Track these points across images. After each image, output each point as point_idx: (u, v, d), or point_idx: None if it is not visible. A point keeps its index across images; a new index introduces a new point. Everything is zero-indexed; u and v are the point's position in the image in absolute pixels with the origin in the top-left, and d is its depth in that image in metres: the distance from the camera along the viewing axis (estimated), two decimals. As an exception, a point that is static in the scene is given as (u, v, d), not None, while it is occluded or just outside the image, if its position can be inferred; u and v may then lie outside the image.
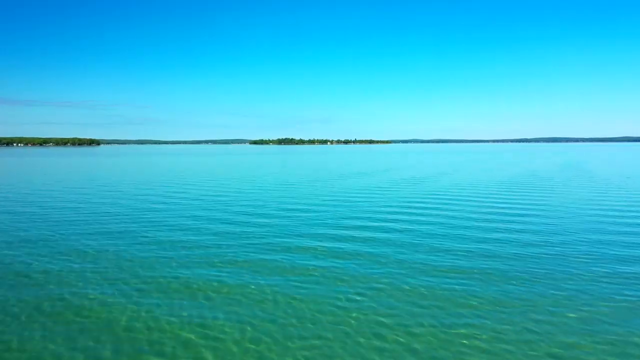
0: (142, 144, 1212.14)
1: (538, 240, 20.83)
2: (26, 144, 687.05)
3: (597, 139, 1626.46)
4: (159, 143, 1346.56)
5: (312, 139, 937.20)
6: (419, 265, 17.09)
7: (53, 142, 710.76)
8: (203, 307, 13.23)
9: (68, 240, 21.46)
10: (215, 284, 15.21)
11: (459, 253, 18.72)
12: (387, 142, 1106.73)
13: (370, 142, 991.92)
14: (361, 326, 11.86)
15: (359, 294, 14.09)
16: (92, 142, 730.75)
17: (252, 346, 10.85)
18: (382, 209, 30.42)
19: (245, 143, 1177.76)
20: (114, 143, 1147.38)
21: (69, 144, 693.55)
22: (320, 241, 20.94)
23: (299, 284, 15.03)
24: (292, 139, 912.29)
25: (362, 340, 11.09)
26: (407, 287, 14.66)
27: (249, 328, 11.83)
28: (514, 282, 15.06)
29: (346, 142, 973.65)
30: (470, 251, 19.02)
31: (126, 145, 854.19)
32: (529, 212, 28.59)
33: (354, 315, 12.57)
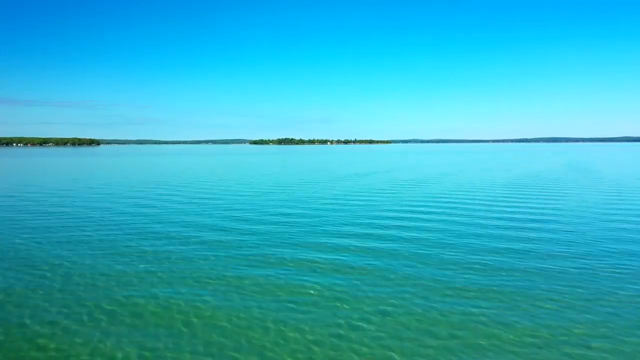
0: (142, 144, 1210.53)
1: (559, 251, 18.87)
2: (26, 144, 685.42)
3: (597, 139, 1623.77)
4: (159, 143, 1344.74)
5: (312, 139, 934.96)
6: (429, 282, 15.15)
7: (53, 142, 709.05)
8: (181, 336, 11.30)
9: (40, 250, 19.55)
10: (197, 305, 13.27)
11: (474, 267, 16.78)
12: (387, 142, 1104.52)
13: (370, 142, 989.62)
14: (366, 364, 9.95)
15: (363, 320, 12.15)
16: (92, 142, 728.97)
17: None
18: (386, 213, 28.48)
19: (245, 143, 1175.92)
20: (113, 143, 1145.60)
21: (68, 144, 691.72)
22: (319, 252, 19.01)
23: (294, 307, 13.10)
24: (292, 139, 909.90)
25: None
26: (418, 311, 12.72)
27: (232, 366, 9.93)
28: (541, 305, 13.12)
29: (346, 142, 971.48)
30: (486, 264, 17.09)
31: (126, 145, 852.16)
32: (543, 218, 26.64)
33: (356, 347, 10.65)
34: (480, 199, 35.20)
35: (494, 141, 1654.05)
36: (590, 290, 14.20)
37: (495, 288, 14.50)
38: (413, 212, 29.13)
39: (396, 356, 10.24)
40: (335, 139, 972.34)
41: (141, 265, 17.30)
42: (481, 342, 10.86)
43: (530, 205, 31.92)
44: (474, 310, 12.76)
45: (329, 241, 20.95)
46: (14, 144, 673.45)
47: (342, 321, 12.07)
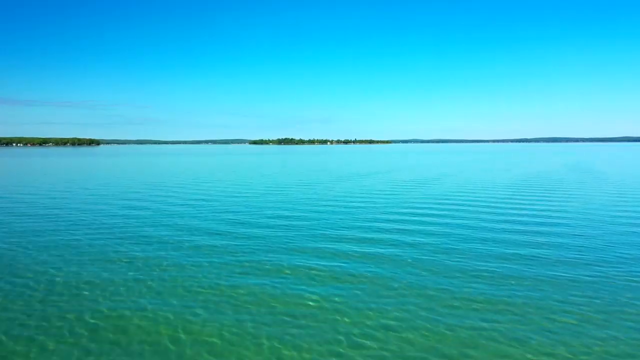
0: (142, 144, 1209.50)
1: (571, 257, 17.94)
2: (25, 144, 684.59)
3: (597, 139, 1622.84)
4: (159, 143, 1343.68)
5: (312, 139, 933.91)
6: (434, 291, 14.24)
7: (52, 142, 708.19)
8: (167, 354, 10.39)
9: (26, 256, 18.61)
10: (187, 318, 12.35)
11: (481, 275, 15.85)
12: (387, 142, 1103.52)
13: (370, 142, 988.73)
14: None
15: (364, 336, 11.23)
16: (91, 142, 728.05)
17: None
18: (387, 216, 27.55)
19: (245, 143, 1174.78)
20: (113, 143, 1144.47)
21: (68, 144, 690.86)
22: (318, 258, 18.09)
23: (290, 320, 12.18)
24: (292, 139, 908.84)
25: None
26: (424, 325, 11.80)
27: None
28: (556, 318, 12.19)
29: (346, 142, 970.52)
30: (494, 272, 16.16)
31: (126, 145, 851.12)
32: (550, 221, 25.70)
33: (359, 368, 9.74)
34: (483, 201, 34.27)
35: (494, 141, 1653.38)
36: (608, 301, 13.29)
37: (505, 299, 13.58)
38: (415, 214, 28.20)
39: (402, 378, 9.33)
40: (335, 139, 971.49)
41: (130, 273, 16.38)
42: (494, 362, 9.95)
43: (535, 207, 30.98)
44: (484, 324, 11.85)
45: (328, 246, 20.03)
46: (14, 144, 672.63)
47: (342, 337, 11.15)
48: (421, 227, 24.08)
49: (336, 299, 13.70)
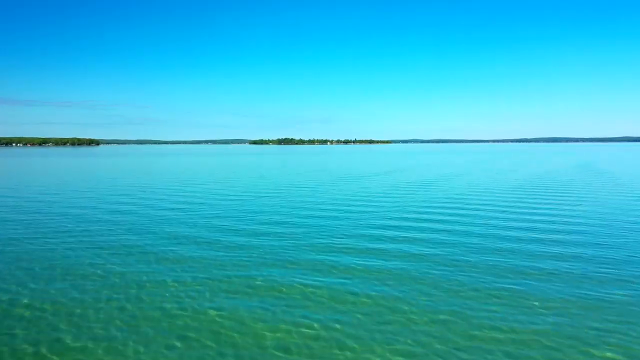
0: (142, 144, 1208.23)
1: (601, 273, 16.05)
2: (25, 144, 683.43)
3: (597, 139, 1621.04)
4: (159, 143, 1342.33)
5: (312, 139, 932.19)
6: (450, 316, 12.36)
7: (52, 142, 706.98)
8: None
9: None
10: (161, 351, 10.47)
11: (501, 295, 13.96)
12: (387, 142, 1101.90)
13: (370, 142, 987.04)
14: None
15: (369, 377, 9.36)
16: (91, 142, 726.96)
17: None
18: (391, 222, 25.66)
19: (245, 143, 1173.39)
20: (113, 143, 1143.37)
21: (68, 144, 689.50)
22: (315, 274, 16.19)
23: (281, 356, 10.29)
24: (292, 139, 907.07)
25: None
26: (441, 362, 9.92)
27: None
28: (602, 354, 10.32)
29: (346, 142, 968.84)
30: (514, 290, 14.28)
31: (126, 146, 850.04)
32: (569, 228, 23.78)
33: None
34: (492, 204, 32.31)
35: (494, 141, 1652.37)
36: (652, 330, 11.40)
37: (531, 326, 11.69)
38: (420, 220, 26.30)
39: None
40: (335, 139, 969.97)
41: (104, 292, 14.50)
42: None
43: (549, 211, 28.98)
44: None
45: (327, 258, 18.14)
46: (14, 144, 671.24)
47: (342, 379, 9.28)
48: (428, 235, 22.20)
49: (336, 325, 11.83)
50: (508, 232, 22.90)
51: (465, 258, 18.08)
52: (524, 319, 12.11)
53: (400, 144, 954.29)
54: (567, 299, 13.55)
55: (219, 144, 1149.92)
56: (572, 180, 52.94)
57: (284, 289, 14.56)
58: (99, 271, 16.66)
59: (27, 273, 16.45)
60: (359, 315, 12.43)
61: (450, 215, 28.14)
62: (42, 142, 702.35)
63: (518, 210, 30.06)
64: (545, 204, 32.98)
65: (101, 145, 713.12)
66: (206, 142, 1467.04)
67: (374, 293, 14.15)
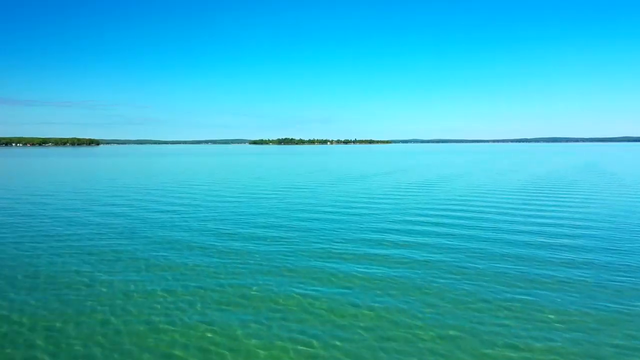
0: (142, 144, 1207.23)
1: (620, 283, 15.13)
2: (25, 144, 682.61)
3: (597, 139, 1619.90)
4: (159, 143, 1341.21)
5: (312, 139, 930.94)
6: (460, 332, 11.42)
7: (52, 142, 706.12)
8: None
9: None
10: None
11: (513, 307, 13.03)
12: (387, 142, 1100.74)
13: (370, 142, 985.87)
14: None
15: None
16: (91, 142, 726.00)
17: None
18: (394, 225, 24.73)
19: (245, 143, 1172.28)
20: (113, 143, 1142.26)
21: (68, 144, 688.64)
22: (314, 282, 15.27)
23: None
24: (292, 139, 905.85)
25: None
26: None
27: None
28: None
29: (346, 142, 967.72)
30: (527, 302, 13.35)
31: (126, 146, 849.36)
32: (581, 232, 22.83)
33: None
34: (498, 206, 31.35)
35: (494, 141, 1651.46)
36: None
37: (549, 343, 10.77)
38: (424, 223, 25.36)
39: None
40: (335, 139, 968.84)
41: (87, 303, 13.58)
42: None
43: (557, 214, 28.05)
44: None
45: (327, 265, 17.21)
46: (13, 144, 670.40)
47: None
48: (432, 240, 21.27)
49: (336, 342, 10.90)
50: (515, 236, 21.97)
51: (472, 265, 17.16)
52: (539, 335, 11.19)
53: (400, 144, 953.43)
54: (584, 311, 12.62)
55: (219, 144, 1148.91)
56: (576, 181, 51.97)
57: (280, 300, 13.64)
58: (84, 279, 15.74)
59: (8, 282, 15.52)
60: (360, 331, 11.51)
61: (454, 218, 27.20)
62: (42, 142, 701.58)
63: (524, 212, 29.12)
64: (552, 205, 32.03)
65: (101, 146, 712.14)
66: (206, 142, 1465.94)
67: (376, 304, 13.22)
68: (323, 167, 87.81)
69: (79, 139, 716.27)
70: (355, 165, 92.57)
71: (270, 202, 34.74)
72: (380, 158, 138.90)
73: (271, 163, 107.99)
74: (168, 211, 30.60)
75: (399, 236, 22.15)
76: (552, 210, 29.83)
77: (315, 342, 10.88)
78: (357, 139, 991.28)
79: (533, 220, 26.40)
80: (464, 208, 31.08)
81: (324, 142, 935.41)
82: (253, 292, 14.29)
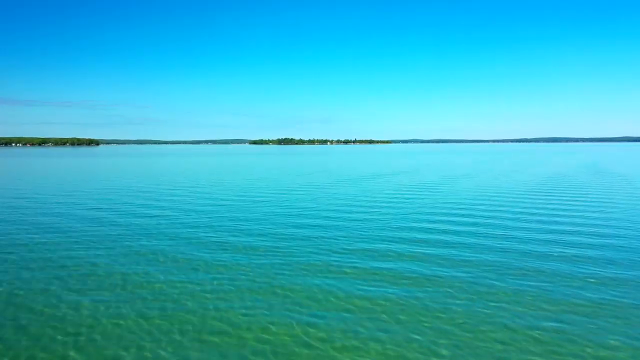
0: (142, 144, 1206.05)
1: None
2: (25, 144, 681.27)
3: (597, 139, 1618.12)
4: (159, 143, 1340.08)
5: (312, 139, 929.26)
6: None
7: (52, 142, 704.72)
8: None
9: None
10: None
11: (542, 339, 11.13)
12: (387, 142, 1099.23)
13: (370, 142, 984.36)
14: None
15: None
16: (91, 142, 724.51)
17: None
18: (397, 233, 22.80)
19: (245, 143, 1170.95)
20: (113, 143, 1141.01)
21: (67, 144, 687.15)
22: (310, 304, 13.36)
23: None
24: (292, 139, 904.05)
25: None
26: None
27: None
28: None
29: (346, 142, 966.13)
30: (554, 330, 11.45)
31: (125, 146, 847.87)
32: (603, 242, 20.95)
33: None
34: (507, 211, 29.39)
35: (494, 141, 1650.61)
36: None
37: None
38: (431, 230, 23.43)
39: None
40: (335, 139, 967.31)
41: (47, 330, 11.66)
42: None
43: (571, 219, 26.09)
44: None
45: (326, 282, 15.29)
46: (13, 144, 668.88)
47: None
48: (441, 251, 19.34)
49: (335, 387, 8.99)
50: (533, 247, 20.04)
51: (488, 281, 15.25)
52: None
53: (401, 144, 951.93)
54: (629, 345, 10.70)
55: (219, 144, 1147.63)
56: (584, 182, 49.98)
57: (272, 329, 11.72)
58: (52, 300, 13.82)
59: (-38, 303, 13.60)
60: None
61: (462, 224, 25.28)
62: (42, 142, 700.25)
63: (537, 218, 27.16)
64: (565, 210, 30.03)
65: (101, 146, 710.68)
66: (206, 142, 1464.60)
67: (382, 334, 11.31)
68: (323, 167, 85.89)
69: (78, 139, 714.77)
70: (356, 166, 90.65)
71: (267, 206, 32.79)
72: (381, 158, 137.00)
73: (270, 163, 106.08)
74: (156, 216, 28.68)
75: (404, 246, 20.25)
76: (567, 216, 27.90)
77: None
78: (357, 139, 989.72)
79: (547, 227, 24.49)
80: (472, 213, 29.16)
81: (324, 142, 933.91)
82: (239, 319, 12.37)
